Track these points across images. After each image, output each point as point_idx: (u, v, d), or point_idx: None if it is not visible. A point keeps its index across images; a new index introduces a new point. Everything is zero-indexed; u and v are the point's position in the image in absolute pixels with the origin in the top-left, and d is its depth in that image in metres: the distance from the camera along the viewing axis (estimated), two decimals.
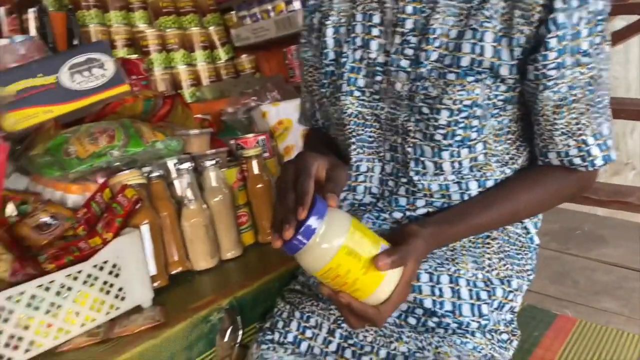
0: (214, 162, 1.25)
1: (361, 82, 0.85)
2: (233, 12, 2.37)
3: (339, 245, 0.65)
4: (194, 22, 2.30)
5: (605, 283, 1.39)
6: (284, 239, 0.65)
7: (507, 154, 0.83)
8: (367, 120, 0.86)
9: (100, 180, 1.24)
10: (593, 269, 1.45)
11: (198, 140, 1.44)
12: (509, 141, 0.83)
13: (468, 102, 0.76)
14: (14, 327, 0.87)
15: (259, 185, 1.33)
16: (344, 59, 0.86)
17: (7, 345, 0.87)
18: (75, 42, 1.85)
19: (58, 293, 0.92)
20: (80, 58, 1.42)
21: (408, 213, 0.84)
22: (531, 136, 0.84)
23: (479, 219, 0.80)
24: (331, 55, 0.89)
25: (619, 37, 1.66)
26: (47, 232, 1.06)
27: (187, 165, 1.20)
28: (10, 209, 1.13)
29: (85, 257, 0.99)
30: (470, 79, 0.75)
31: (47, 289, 0.91)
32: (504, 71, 0.75)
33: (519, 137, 0.84)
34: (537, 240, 0.92)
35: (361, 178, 0.88)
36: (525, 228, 0.91)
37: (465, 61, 0.76)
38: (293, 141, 1.74)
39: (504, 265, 0.86)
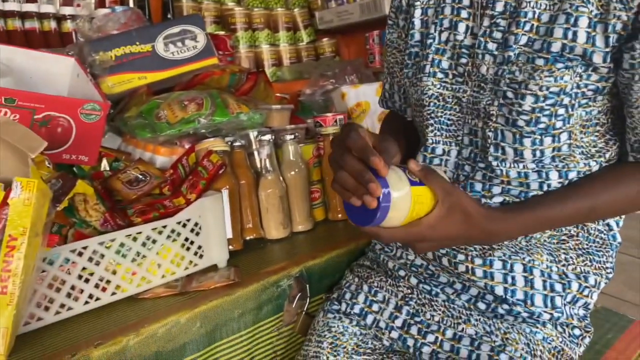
0: (292, 136, 1.28)
1: (445, 64, 0.85)
2: None
3: (409, 193, 0.73)
4: (279, 3, 2.35)
5: None
6: (370, 202, 0.68)
7: (594, 146, 0.80)
8: (447, 103, 0.85)
9: (187, 145, 1.31)
10: None
11: (279, 115, 1.48)
12: (596, 133, 0.80)
13: (555, 89, 0.74)
14: (104, 271, 0.94)
15: None
16: (430, 40, 0.85)
17: (96, 286, 0.94)
18: (169, 16, 1.94)
19: (144, 244, 0.99)
20: (176, 29, 1.49)
21: (483, 200, 0.83)
22: (622, 130, 0.80)
23: (552, 213, 0.77)
24: (417, 37, 0.89)
25: None
26: (136, 188, 1.13)
27: (267, 137, 1.25)
28: (104, 165, 1.21)
29: (169, 215, 1.05)
30: (559, 65, 0.73)
31: (135, 239, 0.98)
32: (597, 59, 0.72)
33: (609, 130, 0.81)
34: (619, 238, 0.89)
35: (436, 161, 0.88)
36: (608, 225, 0.88)
37: (556, 46, 0.73)
38: (370, 124, 1.75)
39: (583, 261, 0.84)
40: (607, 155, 0.81)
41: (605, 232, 0.88)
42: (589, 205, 0.78)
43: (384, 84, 1.08)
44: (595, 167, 0.81)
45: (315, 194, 1.37)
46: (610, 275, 0.88)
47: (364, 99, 1.75)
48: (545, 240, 0.85)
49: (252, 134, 1.31)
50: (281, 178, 1.26)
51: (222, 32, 2.06)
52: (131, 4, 1.89)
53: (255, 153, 1.29)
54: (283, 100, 1.94)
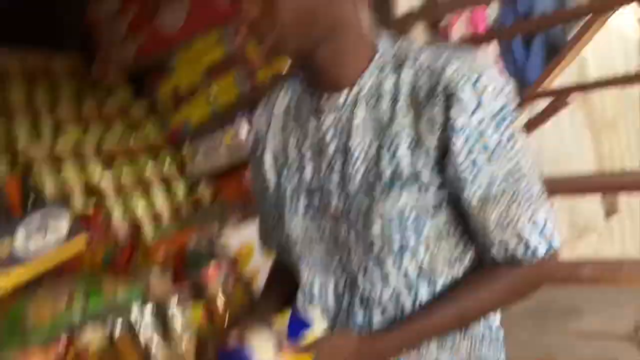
0: (175, 304, 1.24)
1: (302, 204, 0.88)
2: (185, 147, 2.45)
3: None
4: (148, 162, 2.36)
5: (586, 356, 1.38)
6: None
7: (452, 255, 0.85)
8: (313, 240, 0.88)
9: (63, 341, 1.21)
10: (573, 343, 1.45)
11: (160, 283, 1.43)
12: (451, 242, 0.84)
13: (396, 212, 0.79)
14: None
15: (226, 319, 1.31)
16: (286, 184, 0.90)
17: None
18: (30, 203, 1.87)
19: None
20: (34, 221, 1.44)
21: (366, 328, 0.84)
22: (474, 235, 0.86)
23: (421, 325, 0.79)
24: (273, 184, 0.93)
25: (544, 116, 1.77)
26: None
27: (148, 310, 1.19)
28: None
29: None
30: (395, 189, 0.79)
31: None
32: (425, 177, 0.79)
33: (461, 236, 0.85)
34: (501, 332, 0.92)
35: (316, 300, 0.88)
36: (489, 326, 0.91)
37: (387, 174, 0.79)
38: (258, 263, 1.74)
39: None
40: (466, 262, 0.86)
41: (487, 328, 0.90)
42: (456, 313, 0.80)
43: (260, 229, 1.09)
44: (460, 274, 0.84)
45: None
46: None
47: (247, 239, 1.76)
48: (437, 355, 0.85)
49: (134, 311, 1.25)
50: (171, 350, 1.20)
51: (90, 206, 2.02)
52: None
53: (141, 331, 1.22)
54: (167, 259, 1.89)
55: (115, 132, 2.39)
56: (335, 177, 0.84)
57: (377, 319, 0.84)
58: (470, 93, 0.75)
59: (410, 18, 1.83)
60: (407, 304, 0.83)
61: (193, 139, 2.43)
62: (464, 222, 0.84)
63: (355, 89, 0.83)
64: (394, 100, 0.80)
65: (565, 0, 2.77)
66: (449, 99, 0.75)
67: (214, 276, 1.37)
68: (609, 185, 1.27)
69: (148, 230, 2.22)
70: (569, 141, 3.10)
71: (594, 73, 3.50)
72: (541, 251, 0.78)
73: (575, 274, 1.32)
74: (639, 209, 3.95)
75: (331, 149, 0.85)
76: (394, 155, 0.79)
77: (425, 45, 0.83)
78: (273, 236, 1.02)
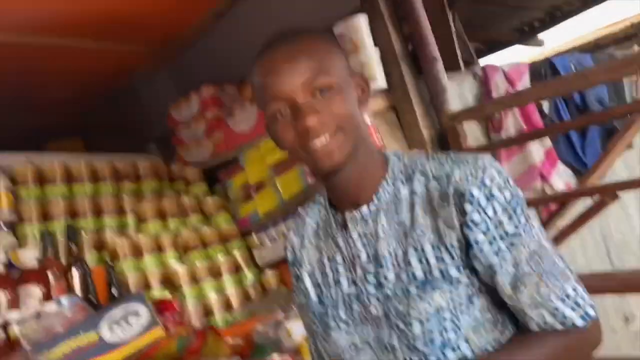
0: None
1: (343, 314, 0.96)
2: (254, 236, 2.61)
3: None
4: (219, 251, 2.53)
5: None
6: None
7: (492, 338, 0.89)
8: (359, 347, 0.95)
9: None
10: None
11: None
12: (488, 327, 0.89)
13: (433, 310, 0.86)
14: None
15: None
16: (326, 299, 0.99)
17: None
18: (114, 290, 2.05)
19: None
20: (118, 311, 1.59)
21: None
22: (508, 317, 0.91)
23: None
24: (314, 299, 1.02)
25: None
26: None
27: None
28: None
29: None
30: (429, 288, 0.87)
31: None
32: (453, 272, 0.87)
33: (498, 319, 0.90)
34: None
35: None
36: None
37: (419, 273, 0.88)
38: None
39: None
40: (506, 338, 0.90)
41: None
42: None
43: (310, 346, 1.14)
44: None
45: None
46: None
47: None
48: None
49: None
50: None
51: (167, 294, 2.18)
52: (77, 290, 2.00)
53: None
54: (236, 347, 1.99)
55: (190, 224, 2.60)
56: (371, 284, 0.93)
57: None
58: (479, 190, 0.85)
59: (463, 114, 1.94)
60: None
61: (260, 228, 2.59)
62: (499, 303, 0.91)
63: (375, 202, 0.93)
64: (412, 207, 0.90)
65: (619, 84, 2.81)
66: (461, 199, 0.85)
67: None
68: None
69: (218, 317, 2.34)
70: (638, 226, 3.00)
71: None
72: (579, 322, 0.85)
73: None
74: None
75: (363, 258, 0.94)
76: (421, 255, 0.88)
77: (426, 156, 0.93)
78: (321, 348, 1.09)
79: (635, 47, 3.60)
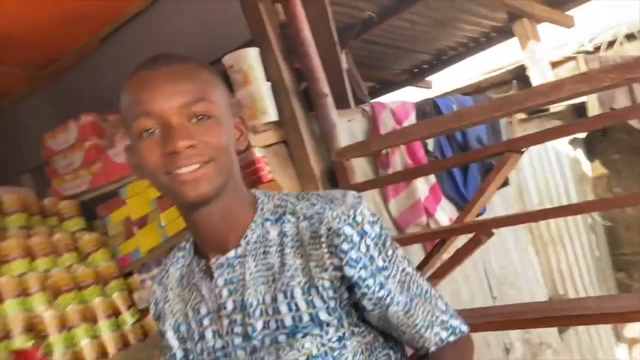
0: None
1: None
2: (135, 276, 2.43)
3: None
4: (95, 293, 2.32)
5: None
6: None
7: None
8: None
9: None
10: None
11: None
12: None
13: (303, 358, 0.82)
14: None
15: None
16: (192, 355, 0.92)
17: None
18: None
19: None
20: None
21: None
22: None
23: None
24: (179, 355, 0.94)
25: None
26: None
27: None
28: None
29: None
30: (299, 335, 0.82)
31: None
32: (323, 316, 0.83)
33: (372, 354, 0.88)
34: None
35: None
36: None
37: (288, 320, 0.83)
38: None
39: None
40: None
41: None
42: None
43: None
44: None
45: None
46: None
47: None
48: None
49: None
50: None
51: (29, 345, 1.94)
52: None
53: None
54: None
55: (63, 264, 2.37)
56: (238, 335, 0.86)
57: None
58: (351, 228, 0.83)
59: (349, 150, 1.95)
60: None
61: (142, 268, 2.42)
62: (371, 350, 0.89)
63: (242, 245, 0.87)
64: (281, 249, 0.86)
65: (496, 125, 3.01)
66: (334, 238, 0.82)
67: None
68: (563, 314, 1.32)
69: None
70: (516, 258, 3.19)
71: (534, 193, 3.72)
72: (464, 328, 0.91)
73: None
74: None
75: (229, 307, 0.87)
76: (290, 300, 0.84)
77: (296, 196, 0.90)
78: None
79: (512, 91, 3.91)
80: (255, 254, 0.86)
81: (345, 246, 0.82)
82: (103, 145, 2.49)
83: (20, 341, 2.01)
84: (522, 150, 1.48)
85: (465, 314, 0.96)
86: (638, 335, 4.63)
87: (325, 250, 0.82)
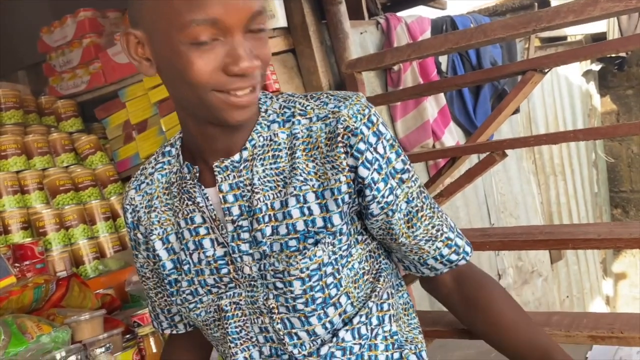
0: (103, 349, 1.19)
1: (210, 280, 0.85)
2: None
3: None
4: (93, 195, 2.30)
5: None
6: None
7: (367, 292, 0.85)
8: (227, 312, 0.85)
9: None
10: None
11: (90, 325, 1.37)
12: (367, 282, 0.85)
13: (315, 266, 0.79)
14: None
15: None
16: (186, 266, 0.86)
17: None
18: None
19: None
20: None
21: None
22: (385, 272, 0.88)
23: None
24: (169, 266, 0.88)
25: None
26: None
27: (72, 358, 1.14)
28: None
29: None
30: (310, 241, 0.79)
31: None
32: (337, 221, 0.79)
33: (373, 273, 0.86)
34: None
35: None
36: None
37: (300, 225, 0.79)
38: None
39: None
40: (380, 293, 0.86)
41: None
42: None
43: (148, 307, 1.04)
44: (373, 307, 0.85)
45: None
46: None
47: None
48: None
49: (58, 357, 1.19)
50: None
51: (28, 240, 1.94)
52: None
53: None
54: (105, 297, 1.82)
55: (60, 163, 2.33)
56: (245, 241, 0.82)
57: None
58: (368, 128, 0.79)
59: (362, 62, 1.86)
60: (337, 354, 0.83)
61: None
62: (372, 258, 0.87)
63: (249, 148, 0.82)
64: (292, 152, 0.81)
65: (512, 49, 2.89)
66: (351, 138, 0.77)
67: (148, 320, 1.32)
68: (556, 238, 1.30)
69: (89, 266, 2.14)
70: (517, 187, 3.18)
71: (541, 123, 3.65)
72: (468, 249, 0.88)
73: None
74: (584, 253, 4.07)
75: (235, 212, 0.82)
76: (304, 204, 0.80)
77: (304, 96, 0.84)
78: (176, 317, 0.99)
79: None
80: (264, 158, 0.82)
81: (361, 146, 0.78)
82: (102, 44, 2.38)
83: (19, 236, 2.01)
84: (546, 70, 1.41)
85: (464, 233, 0.92)
86: (624, 270, 4.74)
87: (342, 150, 0.78)
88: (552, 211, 3.66)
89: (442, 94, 2.39)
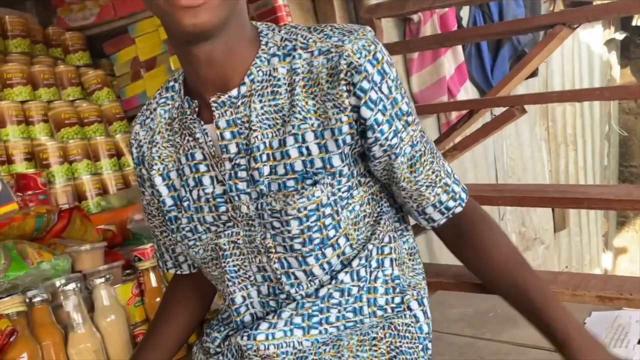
0: (103, 279, 1.18)
1: (209, 217, 0.84)
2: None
3: None
4: (99, 131, 2.27)
5: None
6: None
7: (367, 235, 0.83)
8: (225, 251, 0.84)
9: None
10: (506, 352, 1.46)
11: (90, 256, 1.36)
12: (367, 225, 0.83)
13: (313, 206, 0.76)
14: None
15: (158, 299, 1.26)
16: (186, 202, 0.85)
17: None
18: None
19: None
20: None
21: (306, 330, 0.81)
22: (386, 215, 0.86)
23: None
24: (169, 202, 0.87)
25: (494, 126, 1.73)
26: None
27: (72, 285, 1.13)
28: None
29: None
30: (308, 182, 0.76)
31: None
32: (336, 162, 0.77)
33: (374, 216, 0.84)
34: (426, 328, 0.91)
35: (243, 309, 0.85)
36: (415, 316, 0.89)
37: (298, 165, 0.77)
38: None
39: None
40: (381, 235, 0.84)
41: (412, 324, 0.88)
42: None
43: (154, 246, 1.04)
44: (373, 250, 0.83)
45: (140, 338, 1.25)
46: None
47: None
48: (357, 351, 0.83)
49: (57, 284, 1.18)
50: (94, 329, 1.14)
51: (31, 170, 1.92)
52: None
53: (63, 305, 1.16)
54: (107, 232, 1.81)
55: (66, 96, 2.29)
56: (242, 179, 0.79)
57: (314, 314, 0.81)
58: (373, 66, 0.74)
59: (382, 8, 1.80)
60: (335, 295, 0.82)
61: None
62: (375, 201, 0.85)
63: (247, 82, 0.78)
64: (292, 89, 0.77)
65: (537, 9, 2.80)
66: (354, 75, 0.73)
67: (149, 256, 1.31)
68: (560, 196, 1.27)
69: (91, 201, 2.13)
70: (528, 153, 3.14)
71: (558, 88, 3.57)
72: (464, 196, 0.86)
73: None
74: (587, 225, 4.07)
75: (232, 150, 0.79)
76: (302, 144, 0.76)
77: (307, 29, 0.79)
78: (181, 257, 0.98)
79: None
80: (262, 94, 0.78)
81: (365, 85, 0.73)
82: None
83: (22, 167, 1.99)
84: (575, 25, 1.34)
85: (472, 187, 0.90)
86: (625, 245, 4.74)
87: (344, 88, 0.74)
88: (559, 180, 3.63)
89: (461, 51, 2.32)
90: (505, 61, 2.56)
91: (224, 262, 0.84)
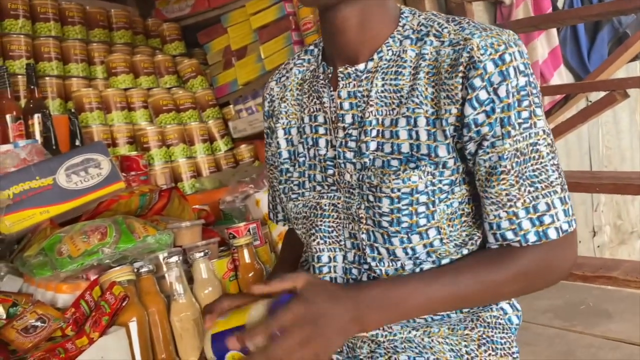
0: (202, 254, 1.26)
1: (319, 176, 0.88)
2: (231, 106, 2.48)
3: None
4: (193, 117, 2.39)
5: None
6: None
7: (466, 235, 0.81)
8: (325, 211, 0.87)
9: (92, 278, 1.25)
10: (598, 346, 1.40)
11: (189, 232, 1.45)
12: (464, 224, 0.81)
13: (407, 190, 0.77)
14: None
15: (251, 274, 1.33)
16: (302, 158, 0.90)
17: None
18: (77, 142, 1.92)
19: None
20: (77, 159, 1.47)
21: None
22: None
23: (417, 293, 0.75)
24: (285, 155, 0.93)
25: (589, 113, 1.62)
26: (33, 335, 1.05)
27: (174, 258, 1.21)
28: None
29: (72, 359, 0.98)
30: (411, 165, 0.77)
31: None
32: (442, 153, 0.76)
33: (475, 218, 0.82)
34: (516, 320, 0.90)
35: (325, 269, 0.88)
36: (502, 309, 0.89)
37: (405, 147, 0.78)
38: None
39: (485, 351, 0.84)
40: (479, 242, 0.82)
41: (501, 317, 0.88)
42: (453, 292, 0.76)
43: (268, 197, 1.10)
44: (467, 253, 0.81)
45: None
46: (517, 358, 0.88)
47: None
48: (447, 336, 0.84)
49: (161, 257, 1.27)
50: (194, 299, 1.22)
51: (134, 153, 2.06)
52: (37, 136, 1.87)
53: (166, 276, 1.25)
54: (202, 212, 1.92)
55: (164, 84, 2.43)
56: (351, 149, 0.83)
57: None
58: (494, 66, 0.72)
59: None
60: None
61: (238, 99, 2.44)
62: (477, 202, 0.81)
63: (375, 59, 0.81)
64: (415, 72, 0.78)
65: None
66: (472, 70, 0.72)
67: (243, 233, 1.38)
68: None
69: (186, 183, 2.26)
70: (626, 141, 2.96)
71: None
72: (532, 238, 0.74)
73: (607, 271, 1.27)
74: None
75: (348, 120, 0.83)
76: (413, 127, 0.77)
77: (446, 18, 0.80)
78: (285, 209, 1.02)
79: None
80: (386, 72, 0.80)
81: (477, 82, 0.72)
82: None
83: (125, 149, 2.15)
84: None
85: (566, 173, 0.80)
86: None
87: (460, 81, 0.73)
88: None
89: (555, 34, 2.22)
90: (604, 44, 2.42)
91: (321, 221, 0.87)
